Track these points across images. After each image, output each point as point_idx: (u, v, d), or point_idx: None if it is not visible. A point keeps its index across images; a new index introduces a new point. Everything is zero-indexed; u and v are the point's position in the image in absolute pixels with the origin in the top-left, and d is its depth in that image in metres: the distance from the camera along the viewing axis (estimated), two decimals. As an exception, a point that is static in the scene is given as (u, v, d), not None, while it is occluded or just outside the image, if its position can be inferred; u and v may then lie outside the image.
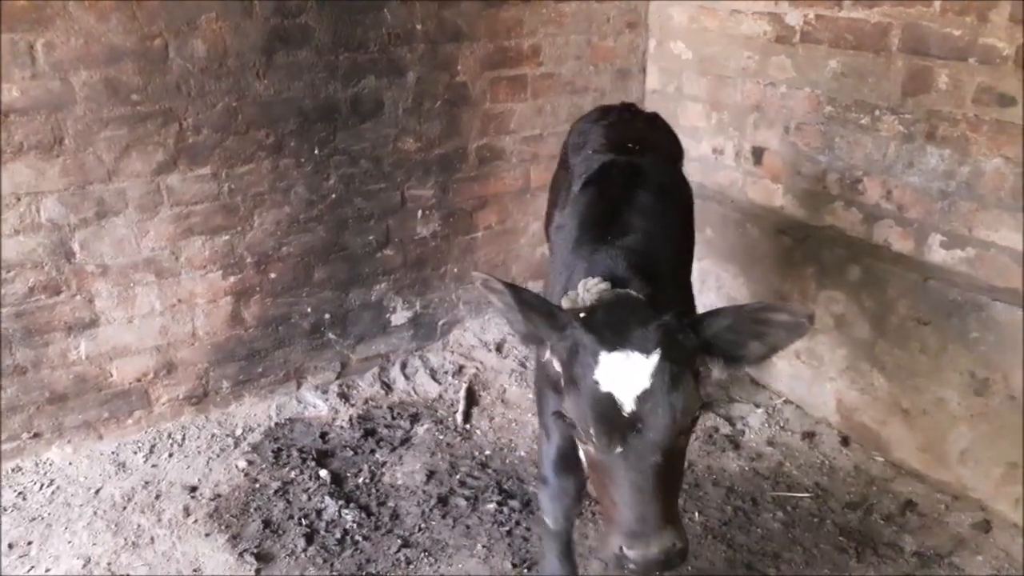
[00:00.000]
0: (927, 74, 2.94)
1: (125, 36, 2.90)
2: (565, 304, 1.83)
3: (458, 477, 3.19)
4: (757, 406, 3.59)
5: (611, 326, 1.61)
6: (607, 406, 1.55)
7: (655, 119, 3.05)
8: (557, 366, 1.71)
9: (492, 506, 3.02)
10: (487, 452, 3.35)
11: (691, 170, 3.94)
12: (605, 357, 1.57)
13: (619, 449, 1.54)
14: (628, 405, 1.53)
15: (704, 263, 3.82)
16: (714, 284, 3.84)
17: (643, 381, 1.54)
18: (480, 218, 3.94)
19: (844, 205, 3.33)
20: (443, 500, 3.06)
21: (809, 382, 3.47)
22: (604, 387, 1.56)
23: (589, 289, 1.83)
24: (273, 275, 3.47)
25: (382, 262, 3.71)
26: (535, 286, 4.17)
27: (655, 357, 1.55)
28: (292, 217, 3.42)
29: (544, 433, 2.31)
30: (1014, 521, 2.83)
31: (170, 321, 3.30)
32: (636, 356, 1.55)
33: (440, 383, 3.81)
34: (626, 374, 1.55)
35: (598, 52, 3.98)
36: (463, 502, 3.05)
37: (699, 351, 1.66)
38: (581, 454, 1.76)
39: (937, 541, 2.83)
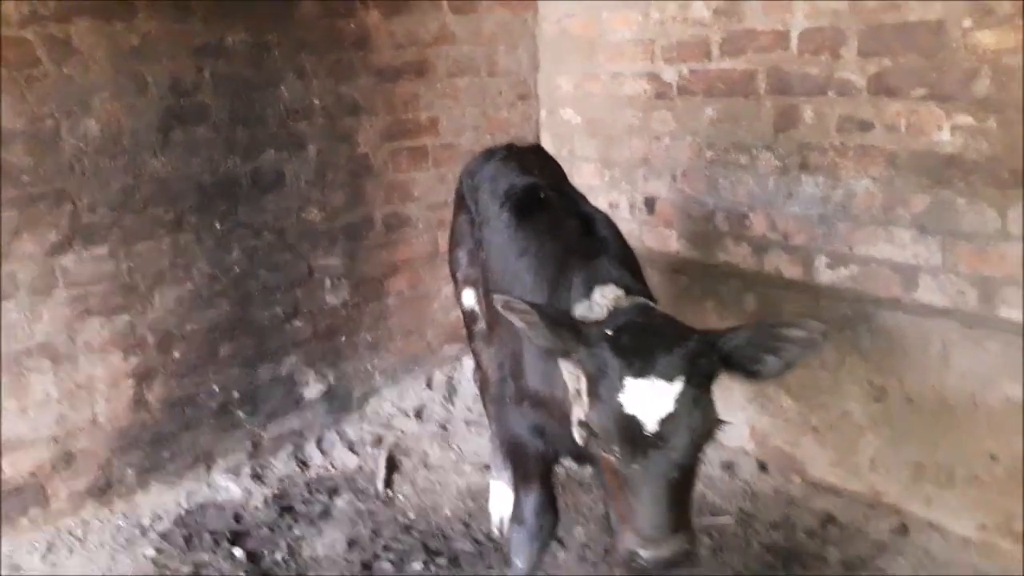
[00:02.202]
0: (794, 111, 3.19)
1: (15, 118, 2.89)
2: (578, 311, 1.91)
3: (382, 542, 3.08)
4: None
5: (638, 350, 1.66)
6: (631, 426, 1.61)
7: (540, 149, 3.20)
8: (581, 377, 1.77)
9: (419, 565, 2.92)
10: (411, 515, 3.26)
11: (591, 226, 4.12)
12: (631, 383, 1.63)
13: (640, 463, 1.61)
14: (651, 426, 1.60)
15: (612, 312, 3.93)
16: (623, 331, 3.94)
17: (667, 406, 1.60)
18: (391, 285, 3.96)
19: (734, 241, 3.51)
20: (367, 566, 2.95)
21: (721, 414, 3.54)
22: (629, 410, 1.62)
23: (606, 296, 1.91)
24: (177, 354, 3.37)
25: (291, 334, 3.66)
26: (450, 350, 4.18)
27: (679, 384, 1.61)
28: (195, 293, 3.37)
29: (524, 483, 2.40)
30: (928, 520, 2.91)
31: (68, 409, 3.15)
32: (661, 384, 1.61)
33: (359, 455, 3.71)
34: (651, 400, 1.61)
35: (494, 123, 4.17)
36: (388, 565, 2.94)
37: (719, 369, 1.72)
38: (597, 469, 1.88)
39: (860, 549, 2.88)
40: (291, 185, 3.55)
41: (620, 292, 1.91)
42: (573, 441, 1.89)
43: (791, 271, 3.32)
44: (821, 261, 3.22)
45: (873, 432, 3.03)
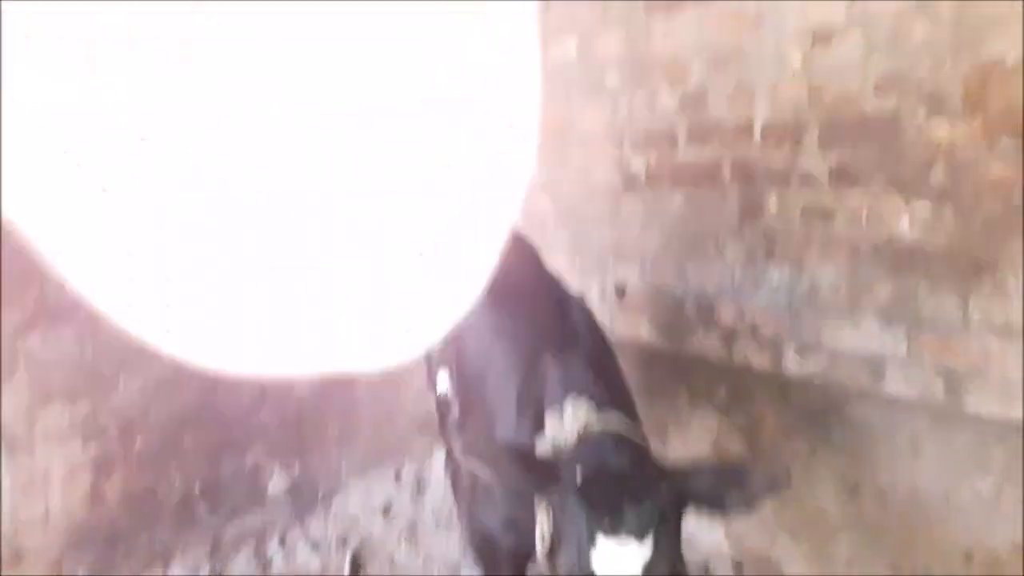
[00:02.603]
0: (758, 200, 3.21)
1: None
2: (549, 429, 1.92)
3: (342, 647, 2.94)
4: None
5: (608, 505, 1.68)
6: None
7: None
8: (550, 515, 1.82)
9: (378, 674, 2.78)
10: (373, 618, 3.12)
11: (564, 314, 4.09)
12: (601, 540, 1.66)
13: None
14: None
15: (585, 402, 3.86)
16: (596, 422, 3.87)
17: (634, 566, 1.64)
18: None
19: (704, 329, 3.47)
20: (324, 673, 2.80)
21: (696, 514, 3.43)
22: (599, 567, 1.65)
23: (578, 415, 1.92)
24: (138, 444, 3.29)
25: (257, 423, 3.59)
26: (421, 441, 4.09)
27: (649, 540, 1.65)
28: (161, 379, 3.32)
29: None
30: (907, 624, 2.77)
31: (20, 501, 3.06)
32: (631, 543, 1.64)
33: (322, 556, 3.58)
34: (621, 557, 1.65)
35: (467, 211, 4.19)
36: (345, 673, 2.79)
37: (685, 511, 1.78)
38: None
39: (838, 656, 2.74)
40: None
41: (592, 408, 1.94)
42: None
43: (760, 361, 3.27)
44: (790, 351, 3.17)
45: (847, 530, 2.92)
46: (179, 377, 3.35)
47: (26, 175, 0.70)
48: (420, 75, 0.82)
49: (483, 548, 2.38)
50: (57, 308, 3.05)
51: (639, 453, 1.87)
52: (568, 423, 1.92)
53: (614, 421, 1.93)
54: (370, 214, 0.83)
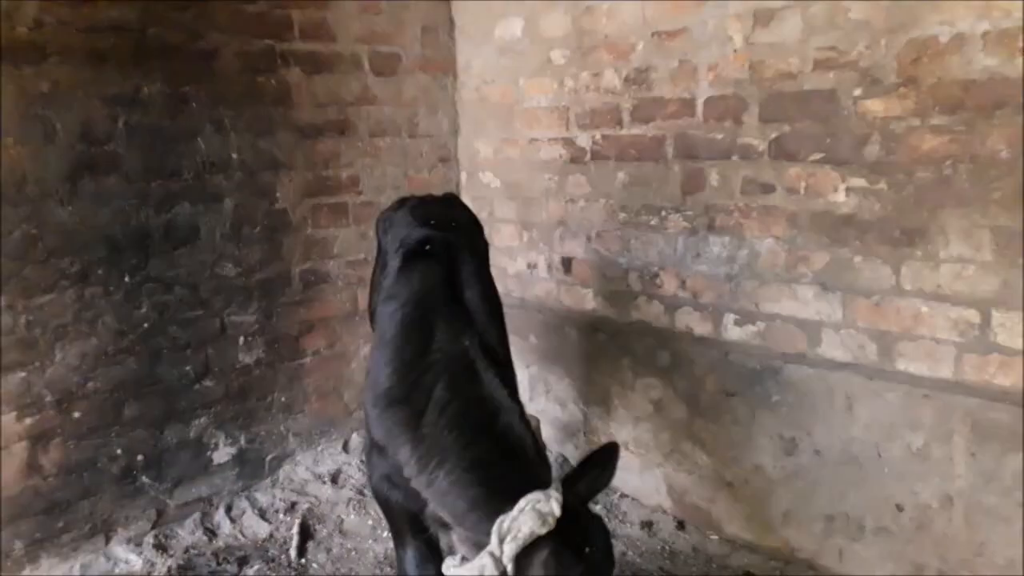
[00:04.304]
0: (700, 174, 3.33)
1: (-90, 162, 2.78)
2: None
3: (293, 611, 2.94)
4: (595, 503, 3.60)
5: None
6: None
7: (453, 200, 3.14)
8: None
9: (331, 635, 2.79)
10: (323, 582, 3.13)
11: (511, 286, 4.16)
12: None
13: None
14: None
15: (532, 369, 3.94)
16: (543, 389, 3.95)
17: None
18: (307, 343, 3.88)
19: (647, 299, 3.60)
20: (276, 636, 2.80)
21: (640, 472, 3.56)
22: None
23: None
24: (77, 414, 3.20)
25: (201, 394, 3.53)
26: (367, 412, 4.09)
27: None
28: (100, 349, 3.23)
29: (397, 539, 2.40)
30: (840, 574, 2.95)
31: (-48, 474, 2.95)
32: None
33: (271, 522, 3.55)
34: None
35: (414, 183, 4.20)
36: (298, 635, 2.80)
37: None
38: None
39: (776, 604, 2.90)
40: (206, 239, 3.48)
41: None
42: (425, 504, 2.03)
43: (701, 328, 3.41)
44: (729, 319, 3.31)
45: (785, 486, 3.09)
46: (118, 348, 3.28)
47: None
48: None
49: (380, 501, 2.40)
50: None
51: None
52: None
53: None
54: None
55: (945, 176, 2.62)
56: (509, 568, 1.75)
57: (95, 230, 3.17)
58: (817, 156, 2.96)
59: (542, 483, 1.85)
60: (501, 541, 1.75)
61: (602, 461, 1.96)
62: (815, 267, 3.02)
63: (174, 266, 3.40)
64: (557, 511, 1.77)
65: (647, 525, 3.43)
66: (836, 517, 2.95)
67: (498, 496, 1.82)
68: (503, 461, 1.93)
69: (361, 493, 3.75)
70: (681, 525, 3.42)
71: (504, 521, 1.77)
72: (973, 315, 2.63)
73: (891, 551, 2.82)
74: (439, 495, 1.95)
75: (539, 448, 2.04)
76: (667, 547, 3.29)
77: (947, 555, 2.68)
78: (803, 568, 3.05)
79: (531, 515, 1.75)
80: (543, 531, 1.74)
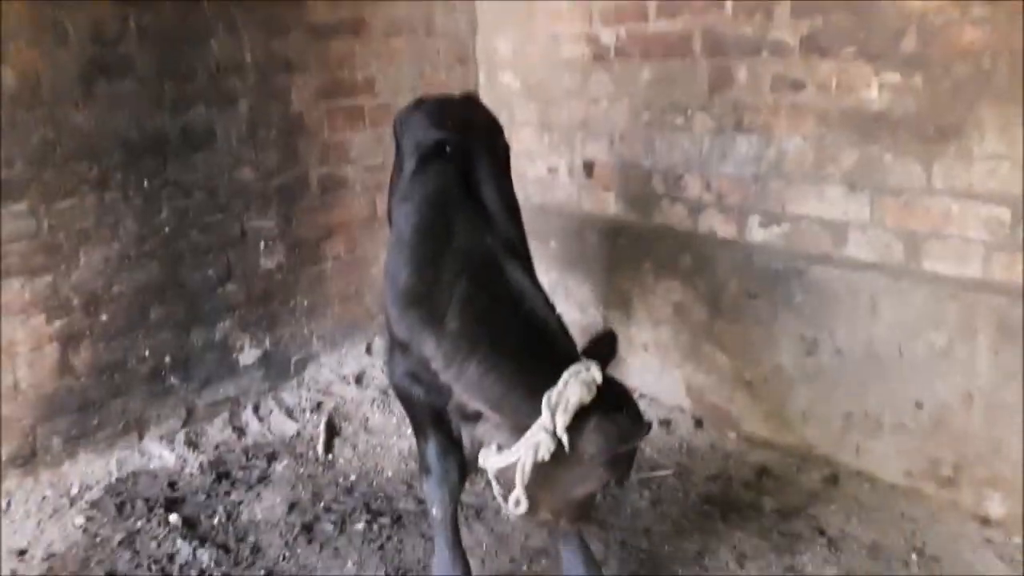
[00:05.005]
0: (728, 71, 3.24)
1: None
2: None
3: (323, 504, 3.04)
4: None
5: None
6: None
7: (471, 102, 3.06)
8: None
9: (361, 526, 2.89)
10: (352, 477, 3.22)
11: (531, 190, 4.12)
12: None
13: None
14: None
15: (552, 275, 3.94)
16: (563, 294, 3.96)
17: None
18: (327, 248, 3.89)
19: (670, 202, 3.56)
20: (308, 528, 2.90)
21: (659, 372, 3.61)
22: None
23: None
24: (104, 317, 3.25)
25: (224, 298, 3.57)
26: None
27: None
28: (122, 254, 3.25)
29: (419, 433, 2.40)
30: (857, 469, 3.02)
31: (-13, 374, 3.01)
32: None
33: (297, 421, 3.65)
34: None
35: (431, 84, 4.11)
36: (329, 527, 2.90)
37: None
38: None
39: (793, 498, 2.97)
40: (222, 143, 3.45)
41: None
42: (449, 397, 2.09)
43: (725, 230, 3.38)
44: (754, 220, 3.28)
45: (805, 385, 3.12)
46: (140, 252, 3.29)
47: None
48: None
49: (402, 401, 2.45)
50: (8, 183, 2.93)
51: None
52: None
53: None
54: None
55: (984, 70, 2.53)
56: (565, 439, 1.79)
57: (112, 134, 3.15)
58: (850, 51, 2.86)
59: (573, 358, 1.89)
60: (552, 414, 1.79)
61: (605, 341, 2.05)
62: (844, 166, 2.96)
63: (192, 170, 3.38)
64: (599, 377, 1.82)
65: (665, 423, 3.49)
66: (854, 414, 3.00)
67: (535, 375, 1.85)
68: (533, 344, 1.95)
69: (385, 393, 3.82)
70: (699, 423, 3.48)
71: (552, 394, 1.80)
72: (1004, 213, 2.59)
73: (908, 447, 2.87)
74: (471, 384, 1.97)
75: (564, 326, 2.06)
76: (685, 444, 3.37)
77: (964, 451, 2.72)
78: (820, 464, 3.11)
79: (577, 384, 1.80)
80: (588, 399, 1.79)
